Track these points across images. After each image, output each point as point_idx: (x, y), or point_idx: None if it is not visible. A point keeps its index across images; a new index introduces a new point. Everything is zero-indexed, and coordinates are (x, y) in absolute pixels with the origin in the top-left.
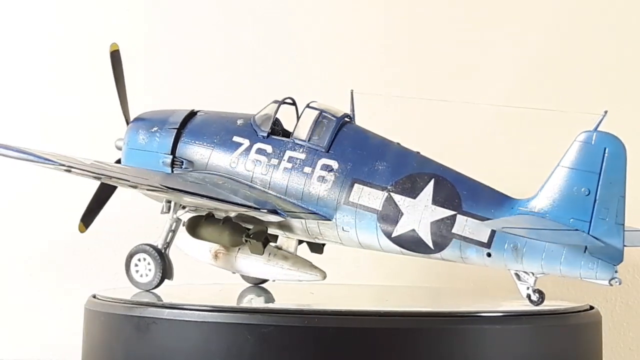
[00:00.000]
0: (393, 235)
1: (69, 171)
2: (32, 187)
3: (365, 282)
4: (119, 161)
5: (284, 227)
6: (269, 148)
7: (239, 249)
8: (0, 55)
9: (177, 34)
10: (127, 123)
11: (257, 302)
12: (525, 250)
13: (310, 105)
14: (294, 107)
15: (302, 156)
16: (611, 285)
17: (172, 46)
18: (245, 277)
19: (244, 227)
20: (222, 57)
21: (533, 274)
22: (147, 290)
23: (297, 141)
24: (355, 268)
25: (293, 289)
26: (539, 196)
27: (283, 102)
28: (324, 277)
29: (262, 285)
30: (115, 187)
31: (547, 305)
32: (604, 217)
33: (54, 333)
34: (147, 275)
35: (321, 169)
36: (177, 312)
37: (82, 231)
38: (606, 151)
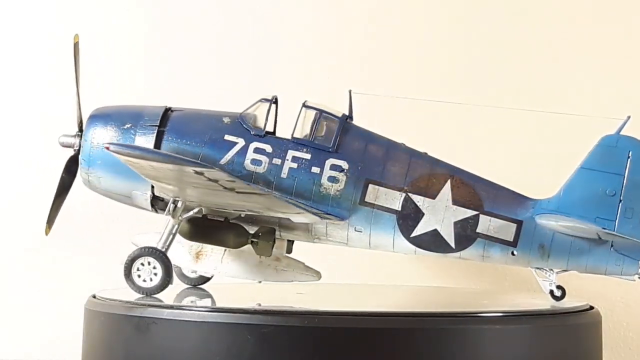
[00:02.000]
0: (412, 235)
1: (202, 174)
2: (32, 187)
3: (363, 282)
4: (74, 159)
5: (284, 227)
6: (268, 147)
7: (226, 249)
8: (1, 55)
9: (177, 34)
10: (80, 118)
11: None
12: (552, 249)
13: (307, 104)
14: (274, 105)
15: (308, 156)
16: (633, 280)
17: (172, 46)
18: (183, 278)
19: (246, 229)
20: (222, 57)
21: (552, 270)
22: (148, 295)
23: (298, 141)
24: (353, 268)
25: (281, 290)
26: (560, 196)
27: (273, 101)
28: (319, 277)
29: (201, 286)
30: (69, 189)
31: (547, 305)
32: (629, 216)
33: (54, 333)
34: (151, 279)
35: (331, 169)
36: (177, 312)
37: (47, 234)
38: (630, 154)
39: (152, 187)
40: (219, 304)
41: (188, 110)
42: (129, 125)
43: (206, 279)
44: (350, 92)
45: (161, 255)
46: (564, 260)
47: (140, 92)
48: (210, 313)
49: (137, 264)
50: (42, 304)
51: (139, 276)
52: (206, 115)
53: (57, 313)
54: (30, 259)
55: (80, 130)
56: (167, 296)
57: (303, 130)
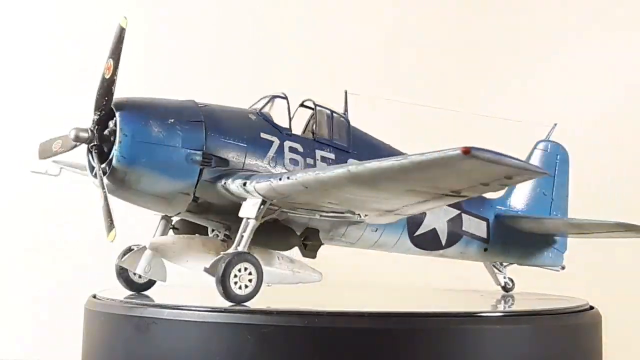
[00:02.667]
0: (415, 234)
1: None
2: (32, 187)
3: (362, 283)
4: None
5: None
6: (299, 147)
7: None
8: (1, 55)
9: (177, 34)
10: (102, 109)
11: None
12: (511, 245)
13: (316, 103)
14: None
15: (332, 156)
16: (558, 271)
17: (172, 46)
18: (126, 283)
19: (295, 231)
20: (222, 57)
21: (502, 264)
22: (239, 303)
23: (321, 140)
24: (352, 268)
25: (279, 290)
26: (510, 196)
27: (287, 97)
28: (321, 278)
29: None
30: None
31: (547, 305)
32: (556, 213)
33: (54, 333)
34: (246, 286)
35: None
36: (177, 312)
37: (112, 240)
38: (557, 158)
39: (196, 187)
40: (219, 304)
41: (213, 105)
42: (172, 121)
43: (152, 284)
44: (346, 92)
45: (255, 260)
46: (518, 255)
47: (140, 92)
48: (210, 313)
49: (234, 270)
50: (42, 304)
51: (236, 283)
52: (231, 111)
53: (57, 313)
54: (30, 259)
55: (98, 124)
56: (167, 296)
57: (322, 129)
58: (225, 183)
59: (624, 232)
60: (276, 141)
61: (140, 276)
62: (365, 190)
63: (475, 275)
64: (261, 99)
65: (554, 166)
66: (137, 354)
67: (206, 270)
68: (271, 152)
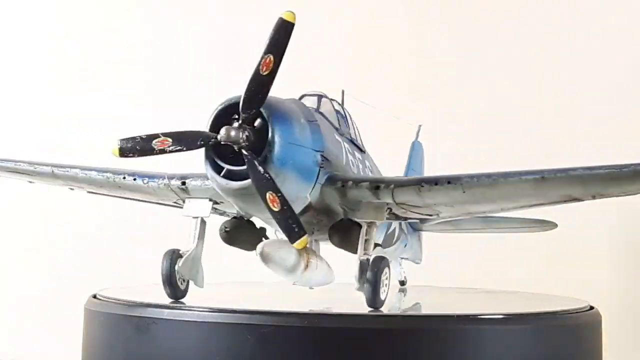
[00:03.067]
0: (387, 233)
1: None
2: (32, 187)
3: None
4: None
5: None
6: (349, 147)
7: (317, 258)
8: (1, 55)
9: (177, 34)
10: (254, 104)
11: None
12: (414, 241)
13: (342, 104)
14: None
15: (360, 156)
16: (418, 264)
17: (171, 46)
18: (171, 288)
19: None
20: (222, 57)
21: (402, 259)
22: (378, 308)
23: (351, 139)
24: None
25: (279, 290)
26: None
27: (327, 97)
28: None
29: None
30: None
31: (547, 305)
32: None
33: (54, 333)
34: (384, 291)
35: (367, 168)
36: (177, 312)
37: (304, 247)
38: (422, 155)
39: (312, 189)
40: (219, 304)
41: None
42: (303, 121)
43: (187, 291)
44: (343, 92)
45: (390, 265)
46: (415, 250)
47: (141, 92)
48: (210, 313)
49: (384, 276)
50: (42, 304)
51: (380, 287)
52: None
53: (57, 313)
54: (30, 259)
55: (244, 121)
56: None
57: (348, 129)
58: (343, 186)
59: (541, 226)
60: (342, 142)
61: (182, 282)
62: (525, 195)
63: (474, 275)
64: (304, 97)
65: (420, 163)
66: (137, 354)
67: (356, 278)
68: (343, 153)
